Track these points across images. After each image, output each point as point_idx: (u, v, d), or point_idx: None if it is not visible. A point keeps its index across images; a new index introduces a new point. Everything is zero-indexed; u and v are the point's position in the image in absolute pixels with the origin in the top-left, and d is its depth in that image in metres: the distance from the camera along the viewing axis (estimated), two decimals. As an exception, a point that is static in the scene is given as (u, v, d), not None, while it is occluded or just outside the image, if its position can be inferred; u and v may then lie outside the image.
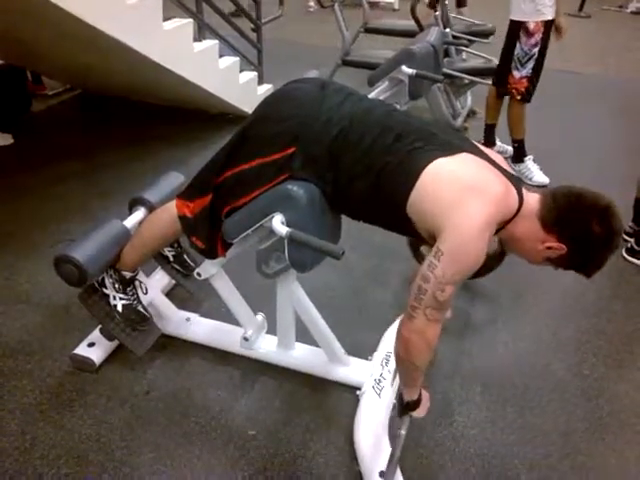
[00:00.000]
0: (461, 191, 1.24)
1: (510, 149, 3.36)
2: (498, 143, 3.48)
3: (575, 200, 1.30)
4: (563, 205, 1.30)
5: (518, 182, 1.36)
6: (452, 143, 1.35)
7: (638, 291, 2.41)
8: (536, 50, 2.91)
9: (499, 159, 1.43)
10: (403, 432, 1.45)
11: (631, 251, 2.58)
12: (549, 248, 1.31)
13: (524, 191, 1.36)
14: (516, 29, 2.93)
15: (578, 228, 1.29)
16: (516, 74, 3.01)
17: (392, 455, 1.46)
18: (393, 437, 1.51)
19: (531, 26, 2.87)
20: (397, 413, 1.49)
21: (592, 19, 7.71)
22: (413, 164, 1.30)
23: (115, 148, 3.48)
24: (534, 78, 3.00)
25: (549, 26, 2.89)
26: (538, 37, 2.88)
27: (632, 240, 2.59)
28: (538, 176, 3.23)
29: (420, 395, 1.45)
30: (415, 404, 1.44)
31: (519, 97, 3.05)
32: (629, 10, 8.25)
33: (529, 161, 3.27)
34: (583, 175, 3.22)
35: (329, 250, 1.32)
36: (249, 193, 1.46)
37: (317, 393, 1.83)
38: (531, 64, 2.95)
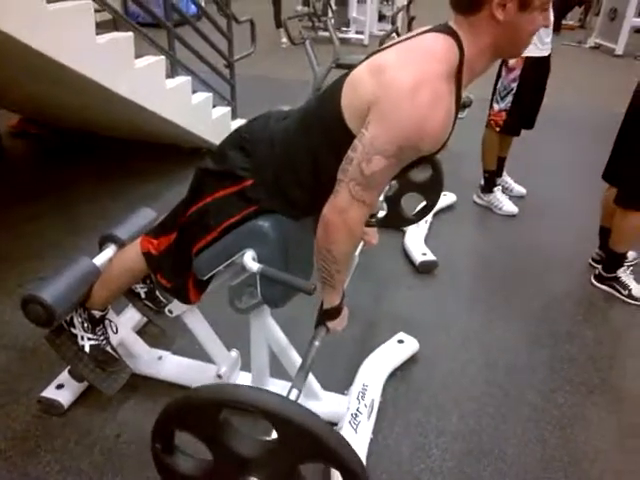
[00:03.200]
0: (378, 68, 1.18)
1: (516, 188, 3.50)
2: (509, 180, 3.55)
3: None
4: None
5: (445, 24, 1.23)
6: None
7: (606, 317, 2.46)
8: (514, 85, 2.99)
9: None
10: (317, 343, 1.37)
11: (599, 277, 2.64)
12: (503, 6, 1.13)
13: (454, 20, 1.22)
14: (501, 64, 3.05)
15: None
16: (495, 107, 3.12)
17: (302, 364, 1.33)
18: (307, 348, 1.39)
19: (510, 62, 2.96)
20: (315, 322, 1.43)
21: (553, 54, 8.02)
22: (333, 93, 1.27)
23: (87, 184, 3.45)
24: (514, 112, 3.07)
25: (533, 63, 2.93)
26: (517, 73, 2.96)
27: (599, 267, 2.66)
28: (507, 206, 3.31)
29: (342, 304, 1.39)
30: (334, 312, 1.38)
31: (498, 129, 3.14)
32: (587, 45, 8.62)
33: (498, 192, 3.35)
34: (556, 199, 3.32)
35: (300, 286, 1.32)
36: (216, 226, 1.45)
37: (293, 430, 1.80)
38: (509, 98, 3.03)
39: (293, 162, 1.37)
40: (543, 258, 2.89)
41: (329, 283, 1.35)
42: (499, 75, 3.08)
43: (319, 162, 1.33)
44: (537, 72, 3.01)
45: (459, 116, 3.77)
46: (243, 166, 1.41)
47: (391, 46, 1.27)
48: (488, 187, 3.35)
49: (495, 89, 3.11)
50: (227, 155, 1.45)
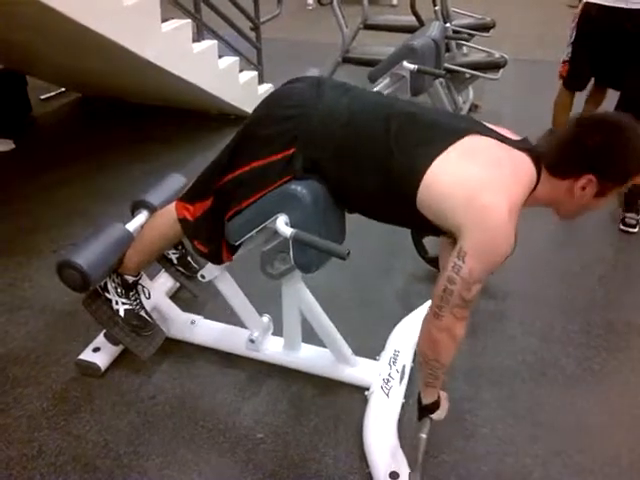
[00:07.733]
0: (469, 187, 1.22)
1: None
2: None
3: (564, 132, 1.29)
4: (559, 144, 1.29)
5: (532, 148, 1.31)
6: (455, 128, 1.33)
7: (646, 283, 2.39)
8: (574, 33, 2.81)
9: (507, 132, 1.38)
10: (424, 436, 1.45)
11: None
12: (583, 189, 1.25)
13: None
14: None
15: (583, 149, 1.24)
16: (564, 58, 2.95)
17: (415, 461, 1.45)
18: (415, 442, 1.49)
19: (578, 8, 2.78)
20: (417, 416, 1.48)
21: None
22: (418, 163, 1.28)
23: (116, 151, 3.46)
24: (570, 63, 2.88)
25: (593, 10, 2.63)
26: (577, 19, 2.79)
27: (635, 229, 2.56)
28: None
29: (439, 396, 1.44)
30: (435, 405, 1.44)
31: (561, 80, 2.99)
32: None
33: None
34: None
35: (335, 251, 1.30)
36: (251, 196, 1.44)
37: (325, 394, 1.82)
38: (570, 47, 2.86)
39: (348, 154, 1.37)
40: (578, 223, 2.80)
41: (432, 384, 1.41)
42: None
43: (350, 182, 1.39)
44: (604, 21, 2.63)
45: (493, 77, 3.61)
46: (287, 134, 1.38)
47: (483, 134, 1.32)
48: None
49: None
50: (269, 121, 1.42)
